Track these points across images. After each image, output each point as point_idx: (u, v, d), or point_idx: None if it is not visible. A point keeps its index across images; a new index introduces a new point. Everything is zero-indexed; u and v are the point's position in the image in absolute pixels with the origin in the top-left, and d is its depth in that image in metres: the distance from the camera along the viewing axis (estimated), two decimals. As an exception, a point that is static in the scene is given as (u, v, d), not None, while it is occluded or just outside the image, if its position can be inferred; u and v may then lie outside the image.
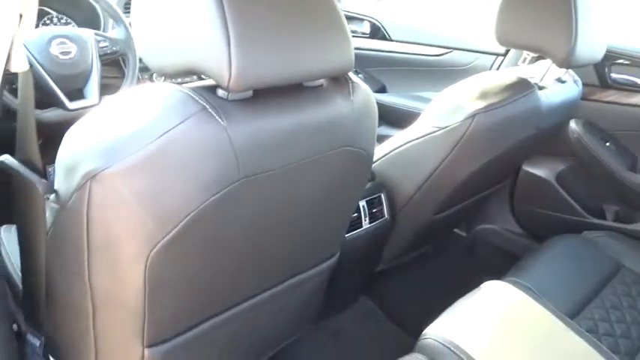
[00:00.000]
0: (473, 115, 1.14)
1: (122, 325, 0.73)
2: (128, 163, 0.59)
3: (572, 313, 1.12)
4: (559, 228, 1.48)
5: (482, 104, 1.15)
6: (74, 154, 0.62)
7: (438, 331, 0.98)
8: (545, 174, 1.63)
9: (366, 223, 1.26)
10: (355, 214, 1.22)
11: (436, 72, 1.93)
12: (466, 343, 0.95)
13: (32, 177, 0.67)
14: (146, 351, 0.77)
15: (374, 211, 1.28)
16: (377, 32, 2.04)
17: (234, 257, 0.76)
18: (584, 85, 1.44)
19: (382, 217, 1.30)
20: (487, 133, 1.17)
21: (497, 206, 1.77)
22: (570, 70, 1.39)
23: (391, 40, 2.02)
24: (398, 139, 1.27)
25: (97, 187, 0.60)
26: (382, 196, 1.29)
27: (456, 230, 1.85)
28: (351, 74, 0.79)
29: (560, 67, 1.20)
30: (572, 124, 1.52)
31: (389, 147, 1.28)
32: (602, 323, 1.15)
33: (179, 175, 0.62)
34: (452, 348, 0.94)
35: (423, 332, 0.99)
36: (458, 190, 1.27)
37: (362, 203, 1.24)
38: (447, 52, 1.94)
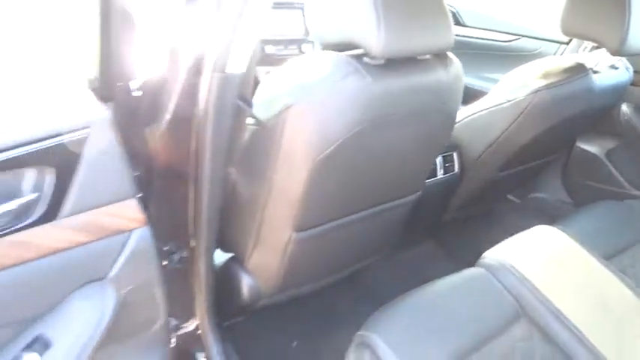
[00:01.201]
0: (536, 91, 1.42)
1: (282, 213, 1.09)
2: (311, 100, 0.94)
3: (609, 257, 1.37)
4: (605, 199, 1.71)
5: (544, 82, 1.43)
6: (274, 91, 0.97)
7: (494, 254, 1.28)
8: (596, 150, 1.87)
9: (440, 174, 1.58)
10: (433, 165, 1.54)
11: (505, 57, 2.18)
12: (520, 265, 1.21)
13: (243, 106, 1.02)
14: (293, 234, 1.13)
15: (447, 165, 1.60)
16: (452, 18, 2.30)
17: (360, 175, 1.10)
18: (635, 72, 1.67)
19: (453, 171, 1.61)
20: (546, 106, 1.45)
21: (549, 177, 2.03)
22: (623, 58, 1.62)
23: (465, 26, 2.29)
24: (470, 109, 1.57)
25: (290, 115, 0.95)
26: (454, 154, 1.61)
27: (509, 197, 2.12)
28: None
29: (613, 55, 1.45)
30: (624, 107, 1.76)
31: (463, 115, 1.58)
32: (630, 269, 1.41)
33: (337, 111, 0.96)
34: (508, 266, 1.17)
35: (482, 255, 1.28)
36: (519, 152, 1.55)
37: (438, 158, 1.56)
38: (515, 39, 2.19)
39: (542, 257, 1.27)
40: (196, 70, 0.84)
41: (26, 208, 0.58)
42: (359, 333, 1.02)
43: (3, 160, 0.54)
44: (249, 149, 1.06)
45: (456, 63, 1.12)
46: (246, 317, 1.29)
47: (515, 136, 1.50)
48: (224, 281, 1.24)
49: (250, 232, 1.16)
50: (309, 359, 1.29)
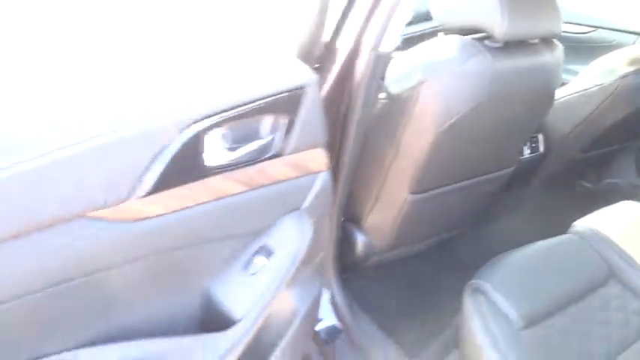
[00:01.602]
0: (623, 77, 1.54)
1: (403, 175, 1.26)
2: (442, 77, 1.11)
3: None
4: None
5: (631, 69, 1.54)
6: (408, 69, 1.15)
7: (584, 223, 1.41)
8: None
9: (527, 153, 1.71)
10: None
11: (581, 48, 2.27)
12: (608, 232, 1.33)
13: (380, 82, 1.20)
14: (409, 196, 1.30)
15: (533, 145, 1.73)
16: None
17: (473, 145, 1.26)
18: None
19: (538, 151, 1.75)
20: (632, 91, 1.56)
21: (624, 162, 2.12)
22: None
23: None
24: (558, 93, 1.70)
25: (422, 89, 1.12)
26: (540, 135, 1.74)
27: (583, 182, 2.22)
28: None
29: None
30: None
31: (550, 99, 1.72)
32: None
33: (462, 87, 1.12)
34: (597, 233, 1.30)
35: (572, 224, 1.41)
36: (602, 135, 1.67)
37: (526, 137, 1.70)
38: (591, 31, 2.29)
39: (628, 225, 1.39)
40: (354, 51, 1.02)
41: (266, 146, 0.77)
42: (472, 281, 1.19)
43: (252, 109, 0.74)
44: (380, 120, 1.23)
45: (559, 47, 1.26)
46: (357, 273, 1.47)
47: (600, 118, 1.62)
48: (341, 239, 1.42)
49: (371, 194, 1.34)
50: (416, 308, 1.46)
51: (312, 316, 1.10)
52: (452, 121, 1.15)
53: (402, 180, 1.28)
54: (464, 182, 1.40)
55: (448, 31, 1.23)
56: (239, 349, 0.77)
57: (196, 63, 0.76)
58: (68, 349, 0.63)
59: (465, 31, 1.18)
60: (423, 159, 1.21)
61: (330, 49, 1.00)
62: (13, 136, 0.52)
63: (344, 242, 1.44)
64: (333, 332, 1.33)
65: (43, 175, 0.53)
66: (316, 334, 1.30)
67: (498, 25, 1.08)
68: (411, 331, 1.33)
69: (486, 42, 1.14)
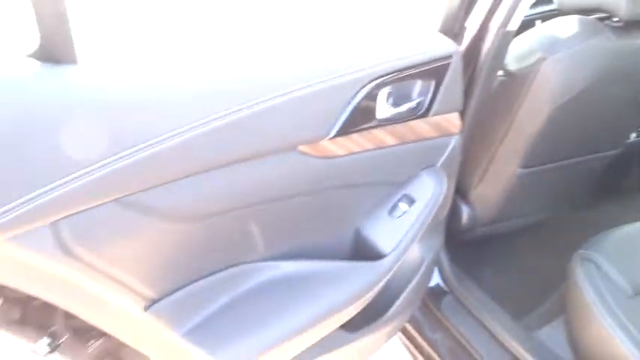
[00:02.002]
0: None
1: (514, 149, 1.34)
2: (563, 54, 1.18)
3: None
4: None
5: None
6: (529, 47, 1.22)
7: None
8: None
9: (632, 137, 1.72)
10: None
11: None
12: None
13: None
14: (518, 170, 1.38)
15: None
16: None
17: (586, 122, 1.32)
18: None
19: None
20: None
21: None
22: None
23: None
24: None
25: (542, 66, 1.20)
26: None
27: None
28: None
29: None
30: None
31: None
32: None
33: (583, 65, 1.18)
34: None
35: None
36: None
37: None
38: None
39: None
40: (483, 28, 1.12)
41: (416, 107, 0.90)
42: (581, 251, 1.25)
43: (412, 73, 0.86)
44: (495, 96, 1.32)
45: None
46: (461, 243, 1.57)
47: None
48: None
49: (480, 167, 1.43)
50: (519, 278, 1.53)
51: (432, 267, 1.22)
52: (568, 97, 1.21)
53: (513, 154, 1.36)
54: (572, 159, 1.45)
55: (567, 12, 1.29)
56: (385, 279, 0.90)
57: (366, 36, 0.89)
58: (257, 261, 0.79)
59: (584, 12, 1.24)
60: (535, 134, 1.29)
61: (462, 26, 1.11)
62: (244, 82, 0.68)
63: (449, 213, 1.54)
64: (438, 293, 1.44)
65: (268, 115, 0.68)
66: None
67: (620, 4, 1.13)
68: (515, 298, 1.41)
69: (607, 21, 1.20)
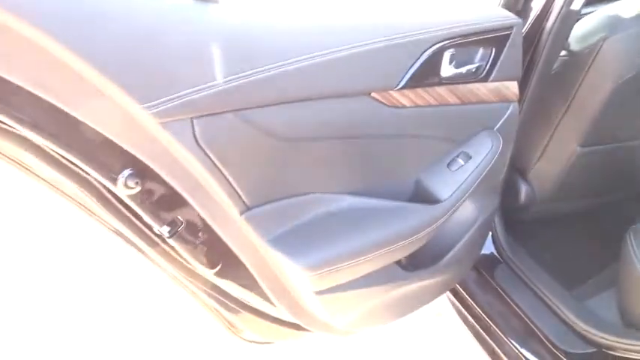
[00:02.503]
0: None
1: (574, 127, 1.40)
2: (624, 33, 1.23)
3: None
4: None
5: None
6: (592, 27, 1.29)
7: None
8: None
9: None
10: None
11: None
12: None
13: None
14: (578, 149, 1.43)
15: None
16: None
17: (628, 105, 1.35)
18: None
19: None
20: None
21: None
22: None
23: None
24: None
25: (604, 45, 1.26)
26: None
27: None
28: None
29: None
30: None
31: None
32: None
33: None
34: None
35: None
36: None
37: None
38: None
39: None
40: (547, 6, 1.20)
41: (477, 70, 1.01)
42: (636, 225, 1.30)
43: (472, 41, 0.97)
44: (555, 75, 1.39)
45: None
46: (518, 219, 1.64)
47: None
48: (505, 187, 1.60)
49: (539, 145, 1.50)
50: (573, 253, 1.58)
51: (485, 228, 1.31)
52: (629, 76, 1.27)
53: (572, 133, 1.42)
54: (633, 142, 1.49)
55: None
56: (440, 221, 1.02)
57: (438, 4, 1.02)
58: (331, 192, 0.94)
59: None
60: (595, 113, 1.35)
61: (526, 4, 1.20)
62: (339, 30, 0.82)
63: (508, 190, 1.61)
64: (492, 261, 1.53)
65: (352, 60, 0.82)
66: (476, 261, 1.51)
67: None
68: (567, 271, 1.47)
69: (673, 4, 1.24)
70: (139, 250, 0.94)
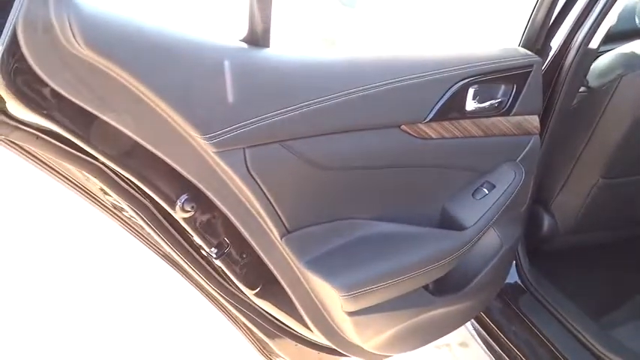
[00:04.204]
0: None
1: (595, 160, 1.44)
2: (641, 72, 1.29)
3: None
4: None
5: None
6: (609, 65, 1.35)
7: None
8: None
9: None
10: None
11: None
12: None
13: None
14: (600, 180, 1.47)
15: None
16: None
17: None
18: None
19: None
20: None
21: None
22: None
23: None
24: None
25: (622, 82, 1.31)
26: None
27: None
28: None
29: None
30: None
31: None
32: None
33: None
34: None
35: None
36: None
37: None
38: None
39: None
40: (566, 45, 1.27)
41: (499, 105, 1.08)
42: None
43: (494, 78, 1.05)
44: (576, 110, 1.44)
45: None
46: (541, 251, 1.66)
47: None
48: (528, 219, 1.64)
49: (560, 177, 1.54)
50: (597, 284, 1.59)
51: (509, 257, 1.35)
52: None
53: (593, 165, 1.46)
54: None
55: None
56: (466, 247, 1.07)
57: (463, 45, 1.10)
58: (364, 218, 1.00)
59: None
60: (616, 145, 1.39)
61: (545, 43, 1.27)
62: (374, 69, 0.90)
63: (531, 221, 1.64)
64: (516, 290, 1.55)
65: (385, 95, 0.90)
66: (501, 290, 1.53)
67: None
68: (593, 300, 1.48)
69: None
70: (182, 270, 1.00)
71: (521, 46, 1.18)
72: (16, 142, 0.69)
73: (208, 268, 0.96)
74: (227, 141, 0.74)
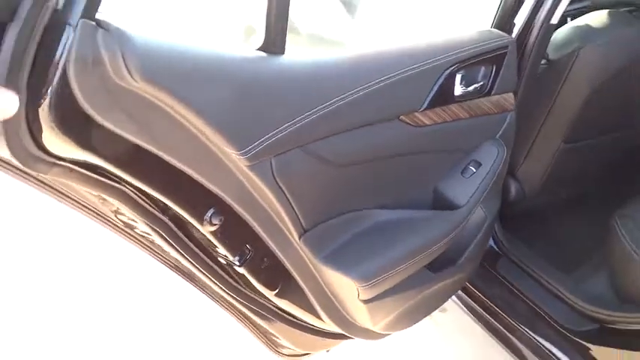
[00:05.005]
0: None
1: (557, 127, 1.55)
2: (598, 43, 1.39)
3: None
4: None
5: None
6: (568, 38, 1.44)
7: None
8: None
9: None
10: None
11: None
12: None
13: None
14: (562, 145, 1.58)
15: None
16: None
17: (619, 102, 1.51)
18: None
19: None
20: None
21: None
22: None
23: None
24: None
25: (580, 54, 1.40)
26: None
27: None
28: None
29: None
30: None
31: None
32: None
33: (616, 51, 1.39)
34: None
35: None
36: None
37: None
38: None
39: None
40: (529, 23, 1.33)
41: (481, 87, 1.13)
42: (620, 210, 1.45)
43: (478, 61, 1.09)
44: (537, 81, 1.53)
45: None
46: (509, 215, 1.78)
47: None
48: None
49: (525, 146, 1.64)
50: (563, 241, 1.73)
51: (491, 227, 1.44)
52: (604, 79, 1.42)
53: (555, 132, 1.57)
54: (610, 134, 1.65)
55: (601, 6, 1.50)
56: (462, 225, 1.13)
57: (445, 33, 1.13)
58: (370, 208, 1.04)
59: (616, 6, 1.45)
60: (576, 112, 1.50)
61: (512, 22, 1.33)
62: (362, 69, 0.92)
63: (499, 187, 1.75)
64: (493, 255, 1.65)
65: (379, 92, 0.92)
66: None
67: None
68: (563, 256, 1.62)
69: (634, 13, 1.40)
70: (193, 278, 1.00)
71: (494, 27, 1.24)
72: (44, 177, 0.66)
73: (222, 272, 0.96)
74: (258, 153, 0.74)
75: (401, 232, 1.04)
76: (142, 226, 0.82)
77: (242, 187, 0.77)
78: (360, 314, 1.07)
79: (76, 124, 0.57)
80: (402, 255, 1.00)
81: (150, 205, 0.76)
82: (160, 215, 0.79)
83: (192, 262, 0.89)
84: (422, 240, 1.05)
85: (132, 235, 0.88)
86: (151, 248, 0.92)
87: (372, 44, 0.98)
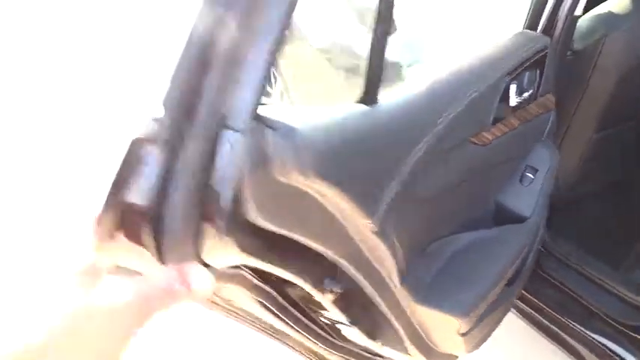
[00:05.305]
0: None
1: (588, 115, 1.51)
2: (623, 29, 1.36)
3: None
4: None
5: None
6: (591, 26, 1.41)
7: None
8: None
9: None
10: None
11: None
12: None
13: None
14: (593, 136, 1.55)
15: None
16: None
17: (634, 91, 1.49)
18: None
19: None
20: None
21: None
22: None
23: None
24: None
25: (606, 42, 1.38)
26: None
27: None
28: None
29: None
30: None
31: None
32: None
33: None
34: None
35: None
36: None
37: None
38: None
39: None
40: (553, 17, 1.30)
41: (531, 93, 1.09)
42: None
43: (525, 67, 1.05)
44: (566, 72, 1.50)
45: None
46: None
47: None
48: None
49: (556, 140, 1.61)
50: (604, 235, 1.71)
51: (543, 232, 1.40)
52: (632, 65, 1.40)
53: (586, 123, 1.54)
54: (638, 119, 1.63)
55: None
56: (538, 236, 1.09)
57: (491, 44, 1.09)
58: (447, 235, 0.99)
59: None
60: (605, 103, 1.47)
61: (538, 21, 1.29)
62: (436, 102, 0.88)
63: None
64: (538, 254, 1.61)
65: (456, 120, 0.87)
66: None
67: None
68: (608, 248, 1.59)
69: (655, -4, 1.38)
70: (284, 336, 0.95)
71: (527, 28, 1.20)
72: None
73: (320, 331, 0.92)
74: (382, 217, 0.71)
75: (482, 255, 1.00)
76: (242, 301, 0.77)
77: (360, 251, 0.73)
78: (450, 343, 1.02)
79: (247, 232, 0.52)
80: (492, 280, 0.97)
81: (256, 279, 0.71)
82: (264, 286, 0.73)
83: (292, 326, 0.83)
84: (505, 259, 1.01)
85: (229, 310, 0.83)
86: (240, 315, 0.86)
87: (427, 68, 0.93)
